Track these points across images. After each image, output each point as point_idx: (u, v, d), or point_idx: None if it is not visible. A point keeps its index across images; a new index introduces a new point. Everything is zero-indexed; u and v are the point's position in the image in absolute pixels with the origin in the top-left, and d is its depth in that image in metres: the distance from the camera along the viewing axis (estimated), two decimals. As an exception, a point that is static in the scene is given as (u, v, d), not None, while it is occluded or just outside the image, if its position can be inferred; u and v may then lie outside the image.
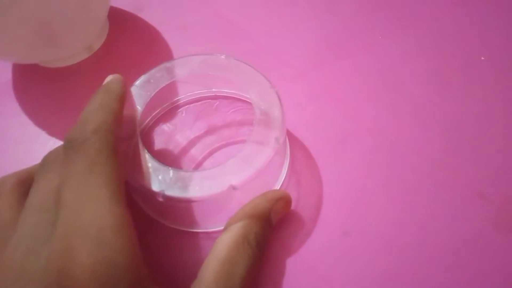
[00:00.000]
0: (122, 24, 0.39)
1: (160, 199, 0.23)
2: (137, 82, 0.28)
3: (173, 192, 0.23)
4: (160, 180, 0.24)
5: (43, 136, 0.33)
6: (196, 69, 0.29)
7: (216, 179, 0.24)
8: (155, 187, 0.23)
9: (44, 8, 0.29)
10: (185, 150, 0.31)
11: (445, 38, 0.36)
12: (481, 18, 0.38)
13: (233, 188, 0.23)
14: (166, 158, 0.30)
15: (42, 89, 0.35)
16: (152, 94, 0.28)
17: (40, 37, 0.31)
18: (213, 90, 0.33)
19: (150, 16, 0.40)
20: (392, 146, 0.30)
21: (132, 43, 0.38)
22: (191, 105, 0.33)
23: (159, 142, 0.31)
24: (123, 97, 0.24)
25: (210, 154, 0.30)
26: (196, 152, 0.30)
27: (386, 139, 0.31)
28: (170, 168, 0.24)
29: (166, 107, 0.32)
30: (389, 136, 0.31)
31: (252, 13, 0.39)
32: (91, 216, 0.18)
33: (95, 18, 0.34)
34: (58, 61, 0.36)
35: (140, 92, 0.28)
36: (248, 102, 0.32)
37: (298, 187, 0.29)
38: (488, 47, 0.36)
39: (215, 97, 0.33)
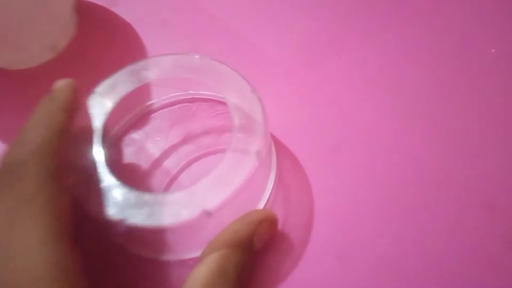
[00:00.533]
0: (92, 20, 0.35)
1: (121, 230, 0.20)
2: (99, 89, 0.24)
3: (137, 219, 0.20)
4: (121, 205, 0.20)
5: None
6: (168, 71, 0.25)
7: (186, 204, 0.20)
8: (115, 214, 0.20)
9: None
10: (159, 162, 0.27)
11: (447, 31, 0.33)
12: (488, 8, 0.34)
13: (207, 214, 0.20)
14: (136, 172, 0.26)
15: (1, 94, 0.32)
16: (117, 101, 0.24)
17: None
18: (190, 92, 0.29)
19: (125, 11, 0.36)
20: (391, 153, 0.27)
21: (104, 41, 0.34)
22: (166, 109, 0.29)
23: (128, 154, 0.27)
24: (72, 107, 0.20)
25: (187, 166, 0.27)
26: (171, 164, 0.27)
27: (384, 146, 0.27)
28: (132, 190, 0.21)
29: (138, 113, 0.29)
30: (387, 142, 0.27)
31: (237, 9, 0.35)
32: (23, 264, 0.15)
33: (56, 13, 0.30)
34: (18, 62, 0.32)
35: (102, 100, 0.24)
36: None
37: (286, 203, 0.25)
38: (495, 40, 0.32)
39: (193, 100, 0.29)
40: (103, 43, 0.34)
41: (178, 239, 0.23)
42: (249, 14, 0.35)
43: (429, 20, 0.34)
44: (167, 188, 0.26)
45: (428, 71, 0.30)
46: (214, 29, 0.34)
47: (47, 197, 0.17)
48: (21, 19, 0.27)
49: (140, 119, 0.29)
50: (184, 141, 0.28)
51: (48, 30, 0.30)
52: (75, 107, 0.21)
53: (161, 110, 0.29)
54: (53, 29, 0.31)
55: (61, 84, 0.21)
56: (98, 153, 0.22)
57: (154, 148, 0.28)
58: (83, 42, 0.34)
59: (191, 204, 0.20)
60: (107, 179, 0.21)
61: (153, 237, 0.22)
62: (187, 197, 0.20)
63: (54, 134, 0.19)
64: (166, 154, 0.27)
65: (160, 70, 0.25)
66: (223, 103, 0.29)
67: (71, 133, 0.20)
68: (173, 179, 0.26)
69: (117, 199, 0.20)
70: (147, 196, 0.20)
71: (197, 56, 0.26)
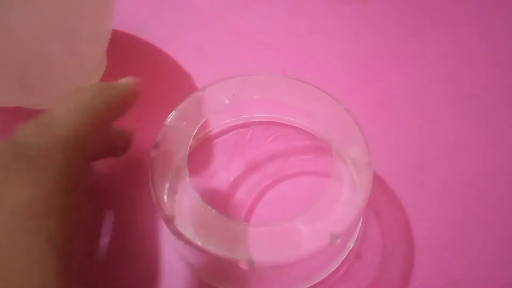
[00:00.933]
0: (122, 52, 0.31)
1: (245, 267, 0.17)
2: (168, 120, 0.22)
3: (262, 256, 0.17)
4: (237, 242, 0.18)
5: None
6: (238, 94, 0.23)
7: (311, 230, 0.18)
8: (234, 253, 0.17)
9: (16, 49, 0.22)
10: (228, 196, 0.25)
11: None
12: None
13: (336, 238, 0.18)
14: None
15: None
16: (192, 134, 0.22)
17: (12, 81, 0.24)
18: (243, 117, 0.27)
19: (156, 38, 0.32)
20: (477, 166, 0.25)
21: (136, 75, 0.30)
22: (220, 138, 0.27)
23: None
24: (129, 100, 0.19)
25: (260, 196, 0.24)
26: (242, 196, 0.24)
27: (469, 159, 0.26)
28: (241, 223, 0.18)
29: (192, 145, 0.26)
30: (471, 154, 0.26)
31: (273, 24, 0.33)
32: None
33: (86, 56, 0.27)
34: (38, 104, 0.28)
35: (176, 133, 0.22)
36: (288, 125, 0.27)
37: (380, 227, 0.23)
38: None
39: (246, 125, 0.27)
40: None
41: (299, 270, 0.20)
42: (286, 30, 0.33)
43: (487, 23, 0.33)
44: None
45: (495, 77, 0.30)
46: (254, 49, 0.32)
47: (68, 204, 0.14)
48: (45, 63, 0.24)
49: (195, 151, 0.26)
50: (248, 171, 0.25)
51: (74, 75, 0.27)
52: (125, 105, 0.19)
53: (215, 140, 0.27)
54: (80, 74, 0.27)
55: (125, 80, 0.19)
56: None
57: (219, 182, 0.25)
58: (112, 79, 0.30)
59: (318, 229, 0.18)
60: (212, 214, 0.18)
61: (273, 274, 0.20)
62: (309, 223, 0.18)
63: (93, 125, 0.16)
64: (233, 186, 0.25)
65: (228, 94, 0.23)
66: (279, 124, 0.27)
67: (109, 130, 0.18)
68: (250, 212, 0.24)
69: (230, 235, 0.18)
70: (261, 228, 0.18)
71: (265, 74, 0.24)
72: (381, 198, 0.24)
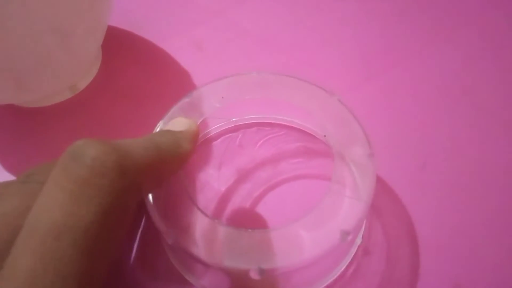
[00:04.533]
0: (118, 48, 0.30)
1: (257, 277, 0.16)
2: (157, 130, 0.21)
3: (273, 262, 0.16)
4: (246, 250, 0.17)
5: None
6: (228, 96, 0.22)
7: (321, 228, 0.17)
8: (243, 263, 0.16)
9: (8, 46, 0.21)
10: (220, 208, 0.23)
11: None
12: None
13: (347, 234, 0.17)
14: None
15: (17, 132, 0.27)
16: None
17: (4, 77, 0.23)
18: (233, 120, 0.26)
19: (153, 34, 0.31)
20: (480, 165, 0.25)
21: (132, 72, 0.29)
22: (209, 145, 0.26)
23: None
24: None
25: (254, 205, 0.23)
26: (235, 207, 0.23)
27: (471, 157, 0.25)
28: (248, 229, 0.17)
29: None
30: (473, 153, 0.25)
31: (272, 20, 0.33)
32: None
33: (80, 54, 0.26)
34: (33, 101, 0.27)
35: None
36: (279, 124, 0.26)
37: (384, 232, 0.23)
38: None
39: (236, 128, 0.26)
40: (132, 75, 0.29)
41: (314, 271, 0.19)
42: (287, 28, 0.32)
43: (487, 21, 0.32)
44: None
45: (497, 76, 0.29)
46: (254, 46, 0.31)
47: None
48: (40, 60, 0.23)
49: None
50: (239, 180, 0.24)
51: (69, 72, 0.26)
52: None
53: (204, 146, 0.26)
54: (75, 71, 0.26)
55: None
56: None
57: (210, 194, 0.24)
58: (109, 74, 0.29)
59: (327, 229, 0.17)
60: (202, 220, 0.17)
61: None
62: (318, 223, 0.17)
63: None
64: (224, 198, 0.24)
65: (217, 98, 0.22)
66: (269, 124, 0.26)
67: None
68: (247, 221, 0.23)
69: (236, 242, 0.17)
70: (271, 232, 0.17)
71: (253, 73, 0.23)
72: (383, 197, 0.23)
